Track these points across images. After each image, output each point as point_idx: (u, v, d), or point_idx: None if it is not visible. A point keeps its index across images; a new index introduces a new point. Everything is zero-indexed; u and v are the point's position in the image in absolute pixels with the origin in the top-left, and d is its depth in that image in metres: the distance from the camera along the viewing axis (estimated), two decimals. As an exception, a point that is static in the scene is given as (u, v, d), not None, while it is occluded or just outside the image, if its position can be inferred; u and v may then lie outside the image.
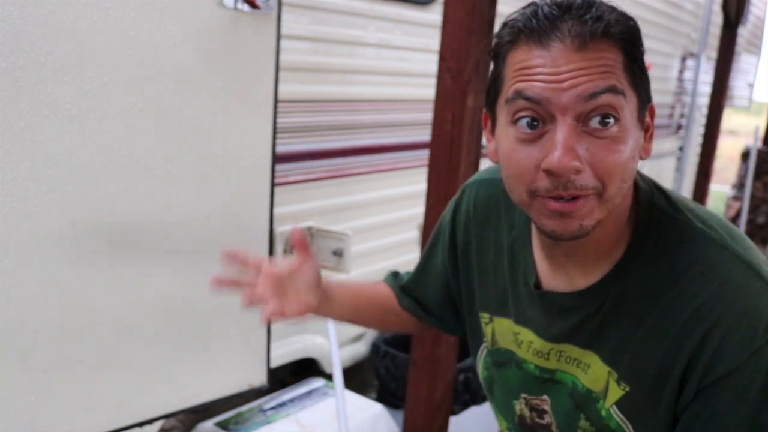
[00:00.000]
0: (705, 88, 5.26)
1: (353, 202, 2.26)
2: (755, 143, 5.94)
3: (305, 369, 2.31)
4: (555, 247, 0.89)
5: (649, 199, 0.87)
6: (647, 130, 0.84)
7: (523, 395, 0.99)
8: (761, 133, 6.97)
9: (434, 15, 2.33)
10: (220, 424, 1.81)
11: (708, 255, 0.81)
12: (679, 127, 5.12)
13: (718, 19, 5.15)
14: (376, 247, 2.40)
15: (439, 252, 1.12)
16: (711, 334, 0.78)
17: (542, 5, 0.77)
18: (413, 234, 2.53)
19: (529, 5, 0.78)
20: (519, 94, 0.76)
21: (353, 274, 2.17)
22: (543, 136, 0.76)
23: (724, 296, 0.79)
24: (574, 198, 0.76)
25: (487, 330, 1.04)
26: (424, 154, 1.97)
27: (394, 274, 1.21)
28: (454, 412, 2.21)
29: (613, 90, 0.74)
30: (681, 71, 4.85)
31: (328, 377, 2.07)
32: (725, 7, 5.07)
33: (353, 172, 2.22)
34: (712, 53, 5.25)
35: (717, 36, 5.23)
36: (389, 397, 2.40)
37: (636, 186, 0.87)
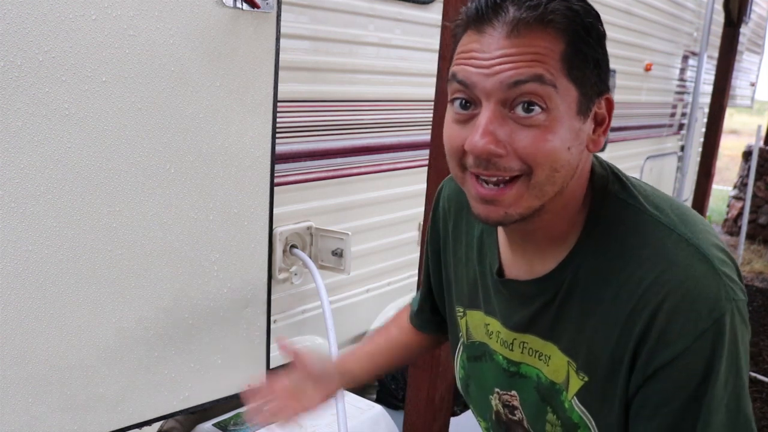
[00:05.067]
0: (707, 88, 5.25)
1: (353, 202, 2.25)
2: (757, 143, 5.94)
3: (305, 369, 2.30)
4: (512, 233, 0.90)
5: (603, 185, 0.86)
6: (602, 123, 0.82)
7: (497, 390, 1.00)
8: (763, 132, 6.96)
9: (434, 14, 2.32)
10: (219, 425, 1.80)
11: (655, 238, 0.80)
12: (681, 126, 5.11)
13: (720, 18, 5.14)
14: (376, 247, 2.39)
15: (429, 254, 1.15)
16: (655, 319, 0.77)
17: None
18: (413, 234, 2.52)
19: None
20: (453, 77, 0.80)
21: (353, 274, 2.16)
22: (473, 118, 0.79)
23: (668, 280, 0.77)
24: (502, 184, 0.78)
25: (462, 324, 1.05)
26: (424, 154, 1.97)
27: (413, 302, 1.25)
28: (455, 413, 2.20)
29: (539, 79, 0.75)
30: (683, 70, 4.84)
31: (328, 378, 2.06)
32: (727, 6, 5.06)
33: (353, 172, 2.21)
34: (714, 52, 5.24)
35: (719, 35, 5.22)
36: (389, 398, 2.39)
37: (592, 172, 0.87)
